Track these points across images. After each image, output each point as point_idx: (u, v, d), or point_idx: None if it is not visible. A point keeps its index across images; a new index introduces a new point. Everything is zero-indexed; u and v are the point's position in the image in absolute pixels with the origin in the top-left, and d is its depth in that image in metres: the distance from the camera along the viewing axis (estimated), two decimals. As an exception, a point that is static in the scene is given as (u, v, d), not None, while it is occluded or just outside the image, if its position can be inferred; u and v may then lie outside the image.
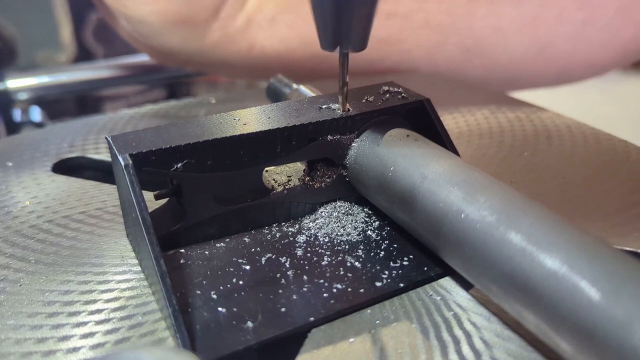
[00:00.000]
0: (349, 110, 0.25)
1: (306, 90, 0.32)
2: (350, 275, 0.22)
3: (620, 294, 0.15)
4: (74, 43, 0.85)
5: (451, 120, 0.39)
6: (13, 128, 0.63)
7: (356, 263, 0.23)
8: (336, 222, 0.26)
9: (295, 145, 0.25)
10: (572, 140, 0.35)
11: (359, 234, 0.25)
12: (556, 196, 0.28)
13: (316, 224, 0.26)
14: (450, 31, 0.50)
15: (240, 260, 0.23)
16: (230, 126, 0.24)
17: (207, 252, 0.24)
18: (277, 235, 0.25)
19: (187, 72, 0.67)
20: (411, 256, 0.24)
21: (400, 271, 0.23)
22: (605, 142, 0.34)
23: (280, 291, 0.21)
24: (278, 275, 0.22)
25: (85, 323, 0.20)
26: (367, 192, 0.26)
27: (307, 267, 0.23)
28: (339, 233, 0.25)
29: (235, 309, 0.20)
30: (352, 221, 0.26)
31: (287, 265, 0.23)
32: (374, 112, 0.26)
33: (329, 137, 0.25)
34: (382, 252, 0.24)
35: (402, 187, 0.23)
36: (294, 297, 0.21)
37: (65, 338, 0.20)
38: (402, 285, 0.22)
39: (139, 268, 0.23)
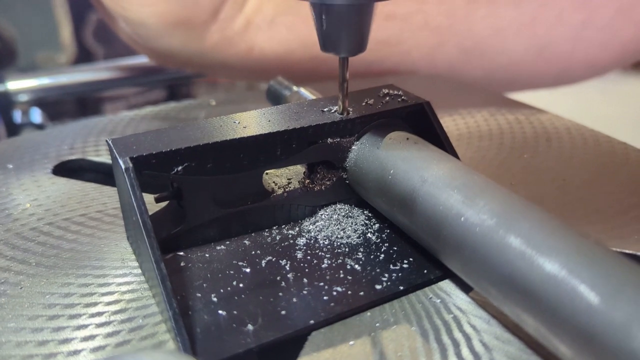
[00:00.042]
0: (349, 113, 0.25)
1: (306, 93, 0.32)
2: (350, 278, 0.22)
3: (619, 298, 0.15)
4: (74, 44, 0.86)
5: (451, 122, 0.39)
6: (13, 129, 0.63)
7: (356, 266, 0.23)
8: (336, 225, 0.26)
9: (295, 148, 0.25)
10: (572, 142, 0.35)
11: (359, 237, 0.25)
12: (556, 198, 0.29)
13: (316, 227, 0.26)
14: (450, 32, 0.50)
15: (240, 263, 0.23)
16: (230, 129, 0.24)
17: (207, 255, 0.24)
18: (277, 238, 0.25)
19: (186, 73, 0.67)
20: (411, 259, 0.24)
21: (400, 274, 0.23)
22: (605, 144, 0.34)
23: (280, 294, 0.21)
24: (278, 278, 0.22)
25: (85, 326, 0.20)
26: (367, 194, 0.26)
27: (307, 270, 0.23)
28: (339, 236, 0.25)
29: (235, 312, 0.21)
30: (352, 224, 0.26)
31: (287, 268, 0.23)
32: (374, 115, 0.26)
33: (329, 140, 0.25)
34: (382, 255, 0.24)
35: (402, 190, 0.23)
36: (294, 300, 0.21)
37: (66, 341, 0.20)
38: (402, 288, 0.22)
39: (139, 271, 0.23)
